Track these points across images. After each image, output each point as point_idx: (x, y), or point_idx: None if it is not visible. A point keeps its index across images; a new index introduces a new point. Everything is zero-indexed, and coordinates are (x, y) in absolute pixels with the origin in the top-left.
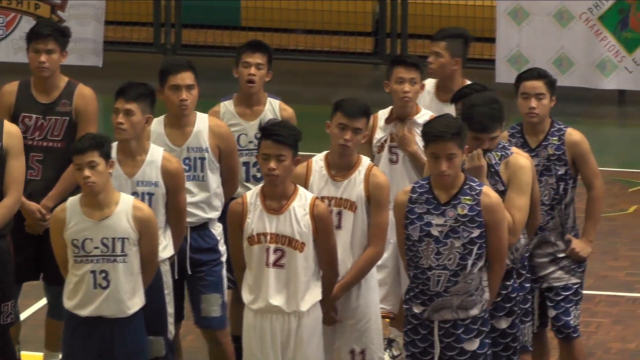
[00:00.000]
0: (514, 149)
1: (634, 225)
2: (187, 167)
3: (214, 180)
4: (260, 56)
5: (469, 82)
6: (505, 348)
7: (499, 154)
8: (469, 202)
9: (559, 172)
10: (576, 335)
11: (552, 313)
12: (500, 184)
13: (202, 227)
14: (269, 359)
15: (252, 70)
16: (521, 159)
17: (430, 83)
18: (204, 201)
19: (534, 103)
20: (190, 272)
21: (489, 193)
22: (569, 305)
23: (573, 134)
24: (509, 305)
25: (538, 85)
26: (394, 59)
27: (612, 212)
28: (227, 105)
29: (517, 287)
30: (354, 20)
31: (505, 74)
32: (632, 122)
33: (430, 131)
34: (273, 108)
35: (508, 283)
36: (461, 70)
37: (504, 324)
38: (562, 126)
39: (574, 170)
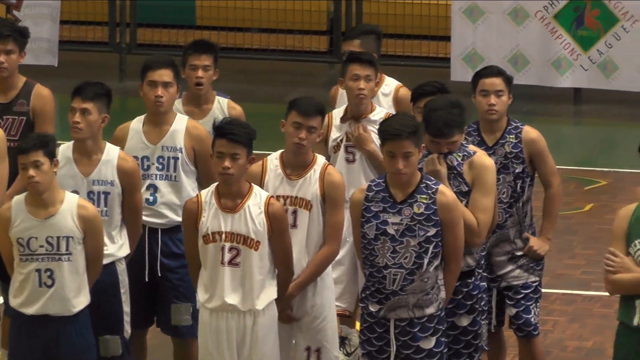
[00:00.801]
0: (470, 147)
1: (589, 224)
2: (160, 166)
3: (188, 183)
4: (207, 57)
5: (387, 77)
6: (467, 345)
7: (460, 154)
8: (425, 201)
9: (517, 170)
10: (537, 333)
11: (512, 311)
12: (464, 184)
13: (175, 231)
14: (225, 358)
15: (200, 72)
16: (486, 159)
17: None
18: (175, 203)
19: (493, 100)
20: (160, 275)
21: (445, 192)
22: (529, 303)
23: (530, 132)
24: (470, 302)
25: (497, 82)
26: (349, 56)
27: (568, 210)
28: (176, 104)
29: (478, 285)
30: (309, 19)
31: (460, 73)
32: (588, 120)
33: (387, 129)
34: (222, 106)
35: (469, 281)
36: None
37: (465, 322)
38: (518, 124)
39: (531, 168)
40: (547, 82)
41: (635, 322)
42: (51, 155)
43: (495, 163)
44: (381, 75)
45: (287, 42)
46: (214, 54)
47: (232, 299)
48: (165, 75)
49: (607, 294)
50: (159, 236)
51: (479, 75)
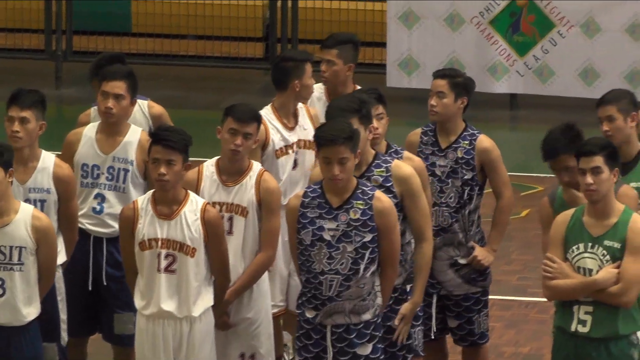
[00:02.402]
0: (405, 154)
1: (526, 229)
2: (109, 176)
3: (136, 194)
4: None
5: (359, 87)
6: (401, 348)
7: (382, 169)
8: (361, 207)
9: (465, 177)
10: (483, 341)
11: (453, 323)
12: (393, 197)
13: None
14: None
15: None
16: (402, 168)
17: (319, 89)
18: None
19: (433, 101)
20: (105, 285)
21: (381, 197)
22: (471, 315)
23: (484, 141)
24: (400, 307)
25: (440, 83)
26: (303, 57)
27: None
28: (97, 110)
29: (407, 291)
30: (245, 25)
31: (396, 79)
32: (524, 126)
33: (322, 135)
34: (141, 108)
35: (398, 283)
36: (352, 73)
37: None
38: (475, 131)
39: (481, 177)
40: (483, 87)
41: (573, 327)
42: (6, 165)
43: (446, 166)
44: (354, 85)
45: (223, 48)
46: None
47: (169, 305)
48: (118, 87)
49: (543, 299)
50: (104, 245)
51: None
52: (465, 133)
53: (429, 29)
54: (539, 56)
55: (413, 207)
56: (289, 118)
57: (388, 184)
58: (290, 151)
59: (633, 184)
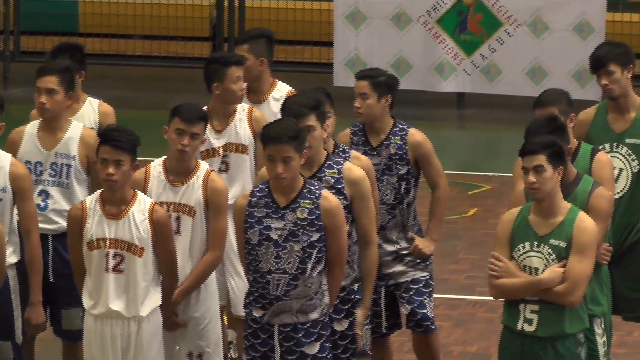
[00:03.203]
0: (353, 153)
1: (473, 228)
2: (52, 172)
3: (80, 190)
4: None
5: (279, 82)
6: (344, 350)
7: (334, 171)
8: (308, 206)
9: (401, 172)
10: (434, 327)
11: (407, 309)
12: (343, 199)
13: (65, 237)
14: None
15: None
16: (354, 171)
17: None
18: (66, 209)
19: (357, 102)
20: (52, 281)
21: (328, 197)
22: (422, 298)
23: (415, 135)
24: (346, 307)
25: (362, 85)
26: (224, 60)
27: (452, 215)
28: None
29: (355, 290)
30: (192, 25)
31: (343, 78)
32: (471, 125)
33: (267, 133)
34: (92, 107)
35: (345, 284)
36: (269, 69)
37: (342, 326)
38: (404, 126)
39: (416, 169)
40: (430, 87)
41: (520, 326)
42: None
43: (379, 164)
44: (274, 80)
45: (170, 48)
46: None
47: (117, 305)
48: (50, 82)
49: (491, 298)
50: (50, 242)
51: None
52: (395, 129)
53: (376, 28)
54: (487, 55)
55: (362, 209)
56: (219, 121)
57: (339, 186)
58: (216, 155)
59: None
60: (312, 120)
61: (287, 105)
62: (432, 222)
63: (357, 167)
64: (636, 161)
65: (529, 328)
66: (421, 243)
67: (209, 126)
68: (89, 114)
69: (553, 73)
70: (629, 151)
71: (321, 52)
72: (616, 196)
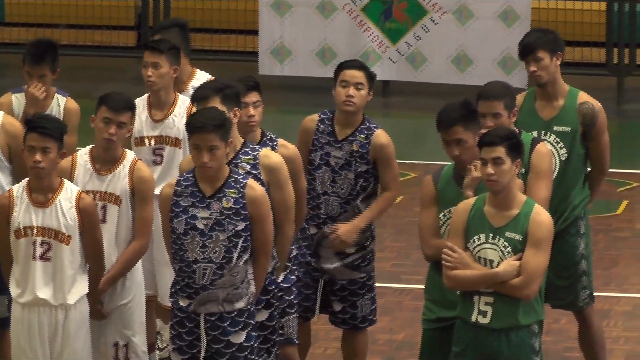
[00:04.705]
0: (280, 141)
1: (399, 216)
2: None
3: (3, 178)
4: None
5: (198, 71)
6: (265, 340)
7: (249, 157)
8: (234, 195)
9: (359, 169)
10: (364, 325)
11: (337, 307)
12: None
13: None
14: (37, 352)
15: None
16: (271, 157)
17: None
18: None
19: (352, 92)
20: None
21: (254, 186)
22: (355, 299)
23: (381, 136)
24: (266, 297)
25: (358, 75)
26: (144, 44)
27: None
28: (18, 98)
29: (275, 280)
30: (117, 14)
31: (268, 67)
32: (397, 113)
33: (193, 122)
34: (59, 103)
35: (267, 272)
36: (187, 58)
37: (262, 317)
38: (372, 125)
39: (376, 169)
40: None
41: (474, 318)
42: None
43: (340, 158)
44: (193, 69)
45: (95, 37)
46: (52, 58)
47: (44, 293)
48: None
49: (418, 286)
50: None
51: (341, 67)
52: (362, 126)
53: (301, 16)
54: (412, 43)
55: (278, 196)
56: (158, 110)
57: (255, 172)
58: (147, 142)
59: None
60: (216, 103)
61: (195, 90)
62: (367, 212)
63: (274, 153)
64: (564, 149)
65: (483, 320)
66: (342, 231)
67: (146, 113)
68: (56, 112)
69: (478, 61)
70: (557, 139)
71: (246, 41)
72: None
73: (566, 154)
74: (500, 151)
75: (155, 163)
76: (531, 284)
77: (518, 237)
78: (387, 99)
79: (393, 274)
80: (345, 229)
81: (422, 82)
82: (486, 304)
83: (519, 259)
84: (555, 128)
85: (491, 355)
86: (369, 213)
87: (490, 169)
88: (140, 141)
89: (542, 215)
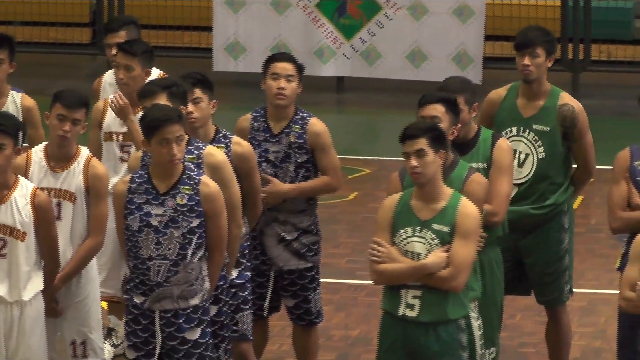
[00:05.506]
0: (234, 138)
1: (354, 212)
2: None
3: None
4: (1, 51)
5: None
6: (214, 336)
7: (193, 156)
8: (188, 192)
9: (299, 160)
10: (318, 320)
11: (290, 302)
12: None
13: None
14: None
15: None
16: (215, 156)
17: (111, 75)
18: None
19: (283, 83)
20: None
21: (208, 183)
22: (306, 294)
23: (316, 125)
24: (215, 293)
25: (289, 67)
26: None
27: (332, 198)
28: None
29: (225, 276)
30: (72, 11)
31: (222, 63)
32: (351, 109)
33: (157, 117)
34: (15, 100)
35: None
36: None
37: (211, 312)
38: (305, 115)
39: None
40: (310, 71)
41: (401, 311)
42: None
43: (279, 152)
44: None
45: (50, 34)
46: (9, 48)
47: None
48: None
49: (372, 282)
50: None
51: (270, 60)
52: (296, 117)
53: (255, 12)
54: (366, 39)
55: (223, 195)
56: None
57: (199, 171)
58: (114, 138)
59: (473, 164)
60: (162, 100)
61: (143, 87)
62: (301, 183)
63: (219, 151)
64: (542, 147)
65: (411, 313)
66: (271, 185)
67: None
68: (13, 110)
69: (433, 56)
70: (536, 137)
71: (200, 37)
72: (521, 181)
73: (543, 153)
74: (423, 143)
75: (123, 160)
76: (459, 275)
77: (446, 229)
78: (342, 95)
79: (348, 270)
80: (273, 186)
81: (376, 78)
82: (414, 297)
83: (447, 251)
84: (534, 126)
85: (419, 350)
86: (302, 185)
87: (414, 162)
88: (109, 136)
89: (469, 208)
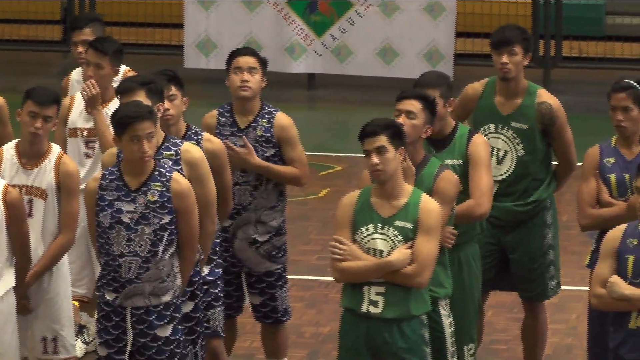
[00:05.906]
0: (205, 135)
1: (324, 209)
2: None
3: None
4: None
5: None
6: (190, 332)
7: (171, 152)
8: (159, 189)
9: (267, 154)
10: (285, 318)
11: (257, 300)
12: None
13: None
14: None
15: None
16: (192, 152)
17: (78, 72)
18: None
19: (246, 76)
20: None
21: (179, 179)
22: (273, 291)
23: (282, 119)
24: (191, 289)
25: (251, 60)
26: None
27: (303, 195)
28: None
29: (199, 272)
30: (43, 9)
31: (193, 60)
32: (322, 105)
33: (127, 114)
34: None
35: None
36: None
37: (187, 308)
38: (272, 109)
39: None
40: (281, 67)
41: (364, 308)
42: None
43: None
44: None
45: (21, 31)
46: None
47: None
48: None
49: (334, 280)
50: None
51: (233, 55)
52: (262, 111)
53: (226, 9)
54: (337, 36)
55: (199, 192)
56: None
57: (177, 167)
58: (79, 134)
59: (448, 161)
60: (141, 97)
61: (120, 83)
62: (272, 165)
63: (196, 148)
64: (521, 145)
65: (375, 310)
66: (251, 152)
67: (82, 107)
68: None
69: (404, 53)
70: (514, 134)
71: (171, 34)
72: (500, 178)
73: (523, 151)
74: (383, 140)
75: (88, 156)
76: (424, 272)
77: (409, 225)
78: (313, 92)
79: (318, 267)
80: (247, 157)
81: (347, 75)
82: (377, 293)
83: (410, 247)
84: (512, 124)
85: (383, 346)
86: (272, 165)
87: (374, 159)
88: (73, 132)
89: (431, 204)
